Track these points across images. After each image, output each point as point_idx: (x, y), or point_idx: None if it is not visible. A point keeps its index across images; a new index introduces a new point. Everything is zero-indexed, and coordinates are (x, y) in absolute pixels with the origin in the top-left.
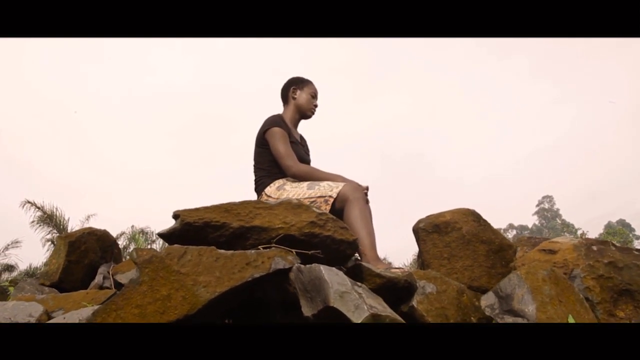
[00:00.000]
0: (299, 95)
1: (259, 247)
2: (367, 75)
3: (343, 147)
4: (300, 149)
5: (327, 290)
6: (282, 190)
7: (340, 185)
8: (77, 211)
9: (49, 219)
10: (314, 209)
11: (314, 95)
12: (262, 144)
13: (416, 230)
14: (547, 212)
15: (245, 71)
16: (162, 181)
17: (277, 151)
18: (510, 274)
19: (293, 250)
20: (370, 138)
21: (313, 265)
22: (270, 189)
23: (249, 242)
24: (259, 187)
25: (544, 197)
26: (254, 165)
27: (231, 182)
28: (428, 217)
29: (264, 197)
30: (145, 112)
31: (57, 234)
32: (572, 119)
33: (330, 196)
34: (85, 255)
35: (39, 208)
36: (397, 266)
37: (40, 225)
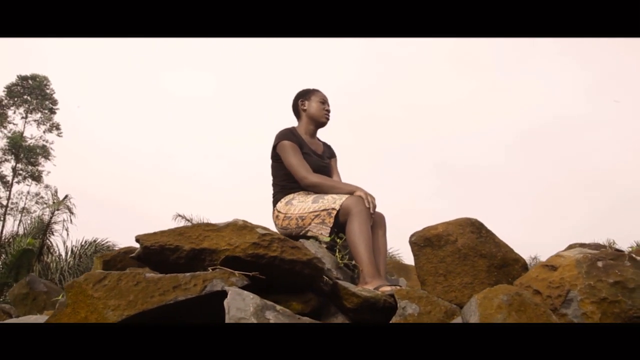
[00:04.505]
0: (308, 105)
1: (209, 268)
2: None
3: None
4: (316, 159)
5: (226, 316)
6: (290, 205)
7: (344, 197)
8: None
9: None
10: (259, 230)
11: (323, 101)
12: (276, 158)
13: (410, 244)
14: None
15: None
16: None
17: (290, 164)
18: (472, 298)
19: (236, 272)
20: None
21: (228, 288)
22: (280, 204)
23: (205, 263)
24: (274, 202)
25: None
26: (272, 180)
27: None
28: (422, 229)
29: (275, 213)
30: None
31: None
32: None
33: (333, 209)
34: None
35: (188, 220)
36: (392, 285)
37: None
